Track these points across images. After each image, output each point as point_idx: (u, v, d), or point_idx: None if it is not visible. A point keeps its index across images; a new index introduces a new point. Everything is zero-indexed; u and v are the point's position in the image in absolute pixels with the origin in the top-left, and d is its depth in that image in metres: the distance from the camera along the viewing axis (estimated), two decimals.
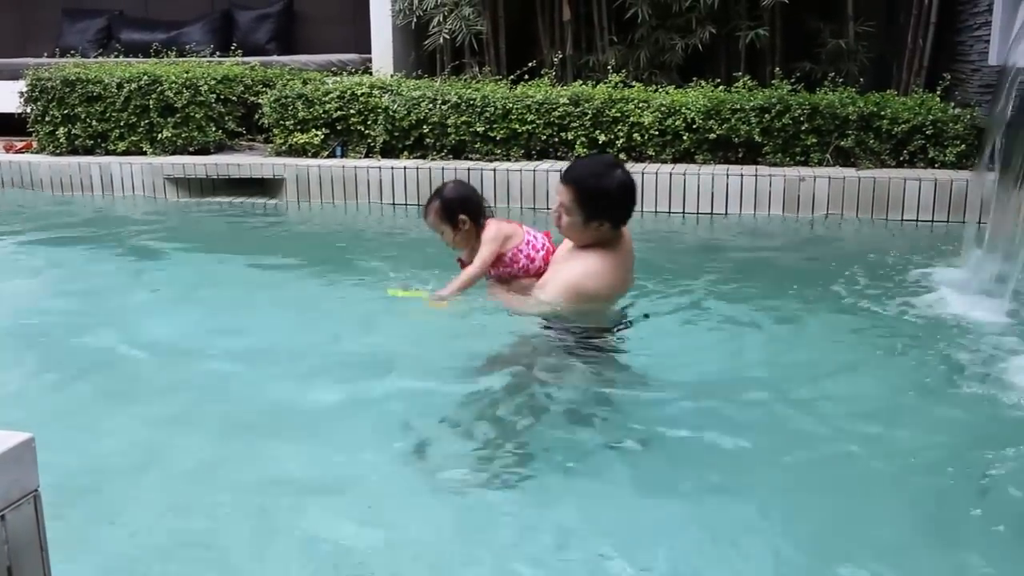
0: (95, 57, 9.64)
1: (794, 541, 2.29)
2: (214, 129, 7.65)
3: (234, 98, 7.77)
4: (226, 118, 7.73)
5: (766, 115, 6.45)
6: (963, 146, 6.22)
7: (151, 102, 7.52)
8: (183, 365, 3.54)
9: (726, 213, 6.26)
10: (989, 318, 3.79)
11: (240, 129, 7.95)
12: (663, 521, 2.39)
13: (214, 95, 7.59)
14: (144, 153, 7.61)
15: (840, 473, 2.66)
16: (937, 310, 3.98)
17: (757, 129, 6.42)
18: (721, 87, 6.89)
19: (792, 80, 6.89)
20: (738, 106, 6.49)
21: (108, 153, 7.68)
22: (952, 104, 6.55)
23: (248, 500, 2.54)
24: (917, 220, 5.97)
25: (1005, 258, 4.16)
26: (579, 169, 3.26)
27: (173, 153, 7.60)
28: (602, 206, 3.16)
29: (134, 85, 7.51)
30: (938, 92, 6.66)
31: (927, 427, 2.91)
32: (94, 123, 7.64)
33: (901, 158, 6.38)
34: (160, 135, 7.56)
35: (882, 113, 6.34)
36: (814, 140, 6.42)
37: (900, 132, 6.32)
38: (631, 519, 2.41)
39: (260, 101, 7.56)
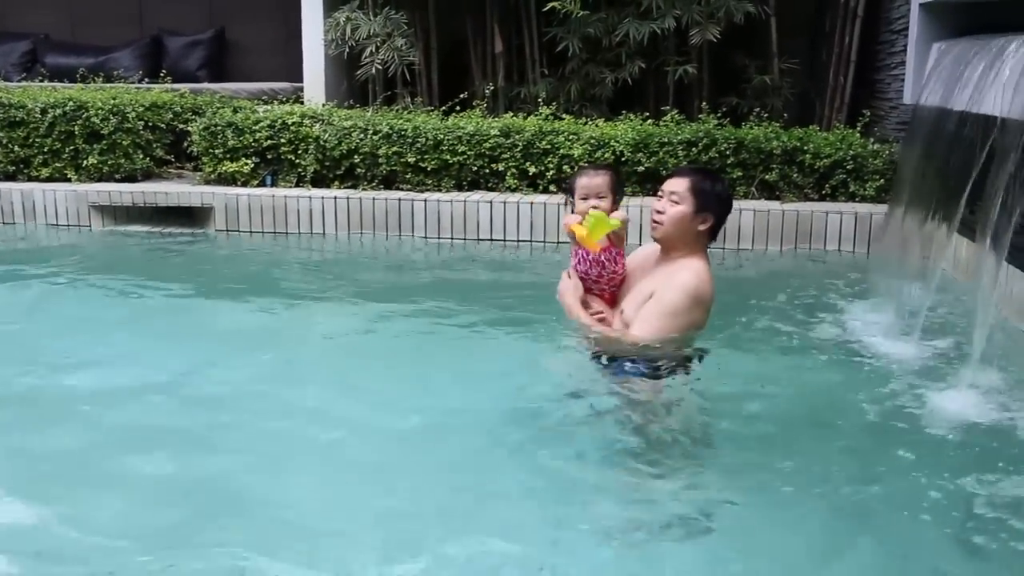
0: (19, 81, 9.45)
1: None
2: (142, 156, 7.52)
3: (163, 125, 7.66)
4: (154, 145, 7.61)
5: (693, 148, 6.57)
6: (882, 180, 6.40)
7: (76, 128, 7.37)
8: (105, 395, 3.49)
9: None
10: (898, 348, 3.93)
11: (169, 157, 7.84)
12: None
13: (142, 122, 7.47)
14: (68, 180, 7.46)
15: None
16: (850, 339, 4.11)
17: (684, 162, 6.54)
18: (649, 120, 7.01)
19: (719, 115, 7.04)
20: (666, 139, 6.60)
21: (30, 179, 7.51)
22: (872, 140, 6.75)
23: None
24: (840, 251, 6.12)
25: (917, 289, 4.32)
26: (692, 169, 3.80)
27: (99, 180, 7.46)
28: (712, 199, 3.50)
29: (59, 110, 7.37)
30: (858, 128, 6.86)
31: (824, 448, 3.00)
32: (16, 149, 7.46)
33: (823, 192, 6.55)
34: (85, 162, 7.41)
35: (805, 148, 6.51)
36: (740, 173, 6.56)
37: (822, 166, 6.48)
38: None
39: (189, 129, 7.47)
